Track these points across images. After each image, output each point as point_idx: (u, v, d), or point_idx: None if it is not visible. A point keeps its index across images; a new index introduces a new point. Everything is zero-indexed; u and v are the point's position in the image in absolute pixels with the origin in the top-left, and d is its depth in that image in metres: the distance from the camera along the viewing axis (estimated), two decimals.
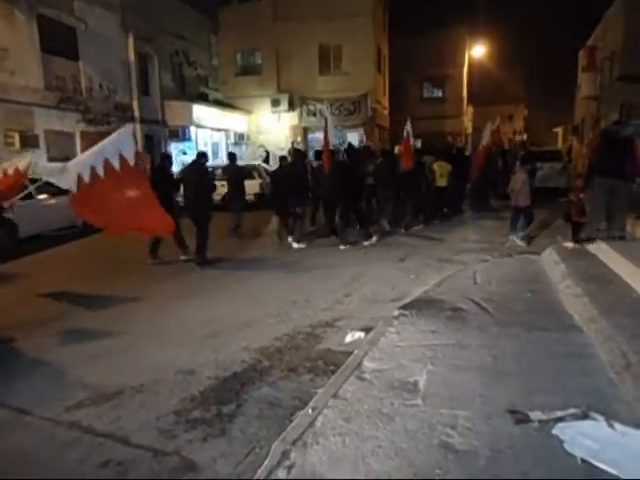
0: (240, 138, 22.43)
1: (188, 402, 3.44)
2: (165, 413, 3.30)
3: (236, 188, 10.24)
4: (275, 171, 9.93)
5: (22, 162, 6.63)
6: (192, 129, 18.62)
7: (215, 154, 19.84)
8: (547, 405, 2.94)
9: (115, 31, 15.86)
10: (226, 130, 21.14)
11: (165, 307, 5.64)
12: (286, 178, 9.03)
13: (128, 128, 5.86)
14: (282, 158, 10.02)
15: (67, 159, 13.11)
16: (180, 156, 18.85)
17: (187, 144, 18.89)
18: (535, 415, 2.81)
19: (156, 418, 3.24)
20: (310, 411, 3.03)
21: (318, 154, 11.15)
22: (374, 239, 8.80)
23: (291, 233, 9.01)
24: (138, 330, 4.94)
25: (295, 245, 8.72)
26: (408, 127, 10.13)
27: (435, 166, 10.78)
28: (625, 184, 6.35)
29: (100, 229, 6.26)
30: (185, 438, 3.01)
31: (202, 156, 7.98)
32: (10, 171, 6.35)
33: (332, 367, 3.82)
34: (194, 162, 8.00)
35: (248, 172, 12.78)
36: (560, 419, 2.78)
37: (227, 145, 21.14)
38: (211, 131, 20.11)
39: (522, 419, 2.79)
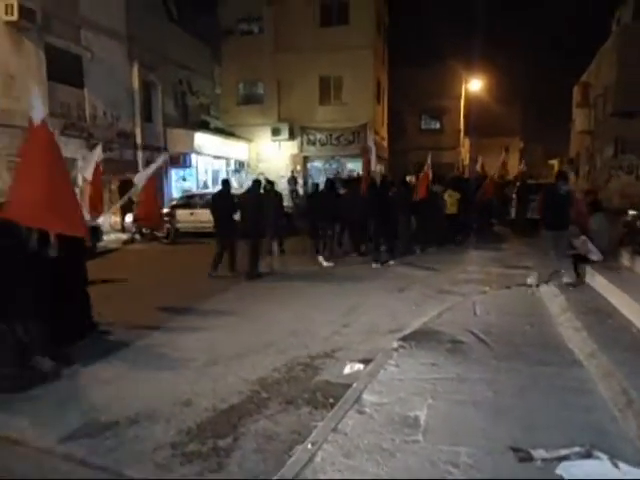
0: (240, 166, 22.64)
1: (184, 434, 3.38)
2: (161, 445, 3.24)
3: (274, 214, 10.77)
4: (309, 196, 11.52)
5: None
6: (193, 156, 18.79)
7: (215, 181, 19.97)
8: (550, 442, 2.91)
9: (120, 60, 16.17)
10: (227, 158, 21.35)
11: (169, 331, 5.61)
12: (320, 204, 10.19)
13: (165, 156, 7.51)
14: (316, 186, 11.86)
15: None
16: (180, 182, 19.02)
17: (188, 171, 19.06)
18: (538, 453, 2.77)
19: (152, 450, 3.18)
20: (309, 446, 2.98)
21: (346, 182, 13.12)
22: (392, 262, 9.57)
23: (320, 253, 9.98)
24: (138, 354, 4.89)
25: (324, 263, 9.60)
26: (428, 160, 11.46)
27: (445, 195, 11.79)
28: (566, 233, 7.11)
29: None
30: (181, 472, 2.95)
31: (257, 183, 9.17)
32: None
33: (331, 400, 3.77)
34: (251, 189, 9.06)
35: None
36: (564, 458, 2.74)
37: (227, 172, 21.31)
38: (212, 158, 20.30)
39: (525, 457, 2.75)
